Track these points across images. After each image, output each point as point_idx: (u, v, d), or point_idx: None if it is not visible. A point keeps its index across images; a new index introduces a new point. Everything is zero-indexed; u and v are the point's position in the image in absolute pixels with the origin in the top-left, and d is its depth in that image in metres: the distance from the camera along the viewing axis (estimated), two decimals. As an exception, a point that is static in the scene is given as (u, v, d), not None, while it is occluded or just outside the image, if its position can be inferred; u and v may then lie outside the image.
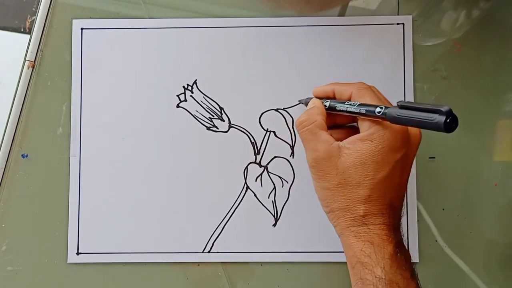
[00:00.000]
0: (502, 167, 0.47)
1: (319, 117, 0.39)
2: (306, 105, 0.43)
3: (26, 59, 0.47)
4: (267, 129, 0.47)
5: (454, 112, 0.29)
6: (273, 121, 0.47)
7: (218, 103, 0.47)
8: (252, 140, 0.47)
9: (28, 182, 0.47)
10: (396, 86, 0.46)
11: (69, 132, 0.47)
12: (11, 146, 0.47)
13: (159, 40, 0.47)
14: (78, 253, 0.46)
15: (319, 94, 0.42)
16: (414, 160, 0.43)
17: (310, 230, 0.46)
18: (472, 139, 0.47)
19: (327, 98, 0.41)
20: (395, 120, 0.33)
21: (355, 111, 0.36)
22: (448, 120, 0.29)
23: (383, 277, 0.34)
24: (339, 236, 0.38)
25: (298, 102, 0.46)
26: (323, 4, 0.47)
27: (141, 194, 0.46)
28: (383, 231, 0.35)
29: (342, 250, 0.45)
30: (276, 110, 0.47)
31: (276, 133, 0.47)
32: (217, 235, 0.46)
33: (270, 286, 0.46)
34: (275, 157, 0.46)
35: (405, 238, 0.45)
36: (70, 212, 0.46)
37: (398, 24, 0.47)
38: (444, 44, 0.47)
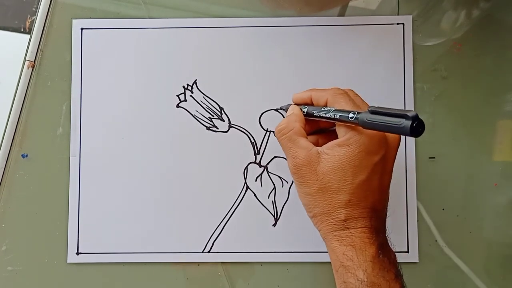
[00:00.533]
0: (502, 167, 0.47)
1: (297, 124, 0.39)
2: (286, 110, 0.43)
3: (26, 59, 0.47)
4: (267, 129, 0.47)
5: (420, 118, 0.30)
6: (273, 121, 0.47)
7: (218, 103, 0.47)
8: (252, 140, 0.47)
9: (28, 182, 0.47)
10: (396, 86, 0.46)
11: (69, 132, 0.47)
12: (11, 146, 0.47)
13: (159, 40, 0.47)
14: (78, 253, 0.46)
15: (298, 101, 0.42)
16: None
17: (310, 230, 0.46)
18: (472, 139, 0.47)
19: (305, 104, 0.41)
20: (365, 125, 0.33)
21: (331, 116, 0.37)
22: (414, 125, 0.30)
23: (365, 279, 0.34)
24: (323, 240, 0.38)
25: (279, 108, 0.46)
26: (323, 4, 0.47)
27: (141, 194, 0.46)
28: (365, 234, 0.35)
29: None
30: (276, 110, 0.47)
31: (276, 133, 0.47)
32: (217, 235, 0.46)
33: (270, 286, 0.46)
34: (275, 157, 0.47)
35: (404, 238, 0.45)
36: (70, 212, 0.46)
37: (398, 24, 0.47)
38: (444, 44, 0.47)
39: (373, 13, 0.47)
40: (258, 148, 0.47)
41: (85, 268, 0.46)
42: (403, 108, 0.46)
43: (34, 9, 0.51)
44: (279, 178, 0.46)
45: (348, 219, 0.36)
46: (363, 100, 0.39)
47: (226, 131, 0.47)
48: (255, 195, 0.46)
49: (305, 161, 0.37)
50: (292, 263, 0.46)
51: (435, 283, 0.46)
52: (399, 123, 0.30)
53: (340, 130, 0.37)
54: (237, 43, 0.47)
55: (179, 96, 0.47)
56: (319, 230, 0.38)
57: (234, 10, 0.48)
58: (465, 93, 0.47)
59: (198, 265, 0.46)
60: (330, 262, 0.46)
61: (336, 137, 0.38)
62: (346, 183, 0.35)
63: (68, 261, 0.46)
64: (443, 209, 0.46)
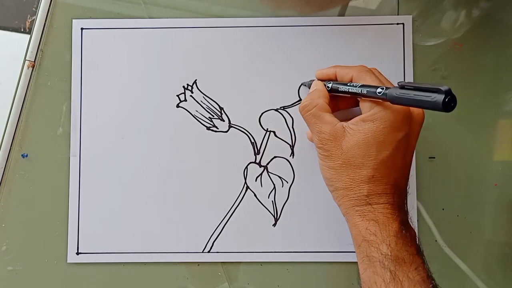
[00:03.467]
0: (502, 167, 0.46)
1: (321, 100, 0.39)
2: (309, 87, 0.43)
3: (26, 59, 0.47)
4: (267, 129, 0.47)
5: (453, 93, 0.29)
6: (273, 121, 0.47)
7: (218, 103, 0.47)
8: (252, 140, 0.47)
9: (28, 182, 0.47)
10: (396, 86, 0.46)
11: (69, 132, 0.47)
12: (11, 146, 0.47)
13: (159, 40, 0.47)
14: (78, 253, 0.46)
15: (322, 77, 0.43)
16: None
17: (310, 230, 0.46)
18: (472, 139, 0.47)
19: (329, 80, 0.41)
20: (394, 100, 0.33)
21: (357, 91, 0.37)
22: (446, 100, 0.29)
23: (389, 253, 0.34)
24: (344, 215, 0.38)
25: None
26: (323, 4, 0.47)
27: (141, 194, 0.46)
28: (387, 210, 0.36)
29: (343, 250, 0.46)
30: (276, 110, 0.47)
31: (276, 133, 0.47)
32: (217, 235, 0.46)
33: (270, 286, 0.46)
34: (275, 157, 0.46)
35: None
36: (70, 212, 0.46)
37: (398, 24, 0.47)
38: (444, 44, 0.47)
39: (373, 13, 0.47)
40: (258, 148, 0.47)
41: (85, 268, 0.46)
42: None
43: (34, 9, 0.51)
44: (279, 178, 0.46)
45: (370, 194, 0.36)
46: (387, 79, 0.39)
47: (226, 131, 0.47)
48: (255, 195, 0.46)
49: (331, 135, 0.37)
50: (292, 263, 0.46)
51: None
52: (431, 98, 0.30)
53: (364, 105, 0.37)
54: (237, 43, 0.47)
55: (179, 96, 0.47)
56: (340, 205, 0.38)
57: (234, 10, 0.48)
58: (465, 93, 0.47)
59: (198, 265, 0.46)
60: (330, 262, 0.46)
61: (356, 115, 0.38)
62: (370, 158, 0.36)
63: (68, 261, 0.46)
64: (443, 209, 0.46)
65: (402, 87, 0.32)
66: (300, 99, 0.46)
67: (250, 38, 0.47)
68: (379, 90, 0.35)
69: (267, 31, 0.47)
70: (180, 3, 0.48)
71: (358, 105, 0.41)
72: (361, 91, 0.36)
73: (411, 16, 0.47)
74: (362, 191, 0.36)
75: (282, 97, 0.47)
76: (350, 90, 0.37)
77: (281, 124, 0.47)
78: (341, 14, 0.48)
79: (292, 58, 0.47)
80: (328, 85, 0.40)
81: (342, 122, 0.38)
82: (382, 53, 0.46)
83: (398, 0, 0.47)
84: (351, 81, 0.39)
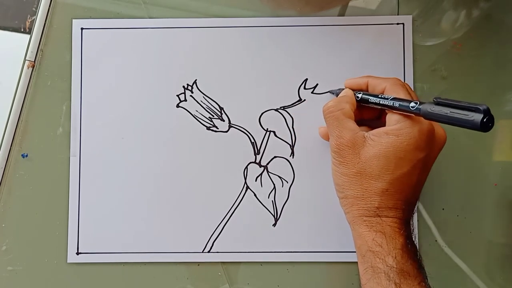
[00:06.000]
0: (502, 167, 0.46)
1: (347, 106, 0.39)
2: (336, 95, 0.43)
3: (26, 59, 0.47)
4: (267, 129, 0.47)
5: (491, 113, 0.29)
6: (273, 121, 0.47)
7: (218, 103, 0.47)
8: (252, 140, 0.47)
9: (28, 182, 0.47)
10: (396, 86, 0.46)
11: (69, 132, 0.47)
12: (11, 146, 0.47)
13: (159, 40, 0.47)
14: (78, 253, 0.46)
15: (352, 86, 0.43)
16: (435, 160, 0.43)
17: (310, 230, 0.46)
18: (472, 139, 0.47)
19: (360, 90, 0.41)
20: (429, 115, 0.32)
21: (388, 104, 0.36)
22: (485, 120, 0.29)
23: (395, 266, 0.34)
24: (349, 223, 0.38)
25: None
26: (323, 4, 0.47)
27: (141, 194, 0.46)
28: (395, 224, 0.36)
29: (343, 250, 0.45)
30: (276, 110, 0.47)
31: (276, 133, 0.47)
32: (217, 235, 0.46)
33: (270, 286, 0.46)
34: (275, 157, 0.46)
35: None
36: (70, 212, 0.46)
37: (398, 24, 0.47)
38: (444, 44, 0.47)
39: (373, 13, 0.47)
40: (258, 148, 0.47)
41: (85, 268, 0.46)
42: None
43: (34, 9, 0.51)
44: (279, 178, 0.46)
45: (381, 207, 0.36)
46: (417, 96, 0.39)
47: (226, 131, 0.47)
48: (255, 195, 0.46)
49: (350, 142, 0.37)
50: (292, 263, 0.46)
51: (435, 283, 0.46)
52: (469, 116, 0.29)
53: (391, 118, 0.37)
54: (237, 43, 0.47)
55: (179, 96, 0.47)
56: (347, 213, 0.38)
57: (234, 10, 0.48)
58: (465, 93, 0.47)
59: (198, 265, 0.46)
60: (330, 262, 0.46)
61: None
62: (388, 172, 0.36)
63: (68, 261, 0.46)
64: (443, 209, 0.46)
65: (437, 103, 0.32)
66: (300, 99, 0.46)
67: (250, 38, 0.47)
68: (412, 104, 0.34)
69: (267, 31, 0.47)
70: (180, 3, 0.48)
71: (380, 118, 0.41)
72: (393, 104, 0.36)
73: (411, 16, 0.47)
74: (374, 202, 0.36)
75: (282, 97, 0.47)
76: (381, 102, 0.37)
77: (281, 124, 0.47)
78: (341, 14, 0.48)
79: (292, 58, 0.47)
80: (358, 95, 0.40)
81: (364, 132, 0.38)
82: (382, 53, 0.46)
83: (398, 0, 0.47)
84: (382, 92, 0.39)
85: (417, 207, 0.46)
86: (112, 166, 0.46)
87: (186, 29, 0.47)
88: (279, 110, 0.47)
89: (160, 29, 0.47)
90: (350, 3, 0.47)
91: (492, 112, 0.43)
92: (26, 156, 0.47)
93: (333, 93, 0.46)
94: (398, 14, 0.47)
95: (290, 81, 0.47)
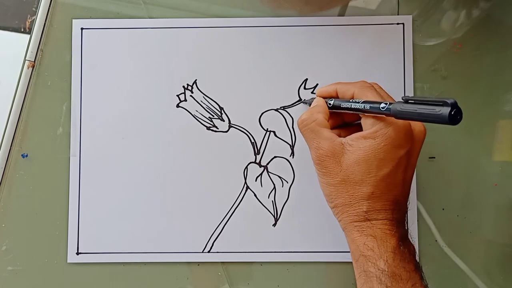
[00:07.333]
0: (502, 167, 0.47)
1: (321, 115, 0.39)
2: (309, 105, 0.43)
3: (26, 59, 0.47)
4: (267, 129, 0.47)
5: (459, 106, 0.29)
6: (273, 121, 0.47)
7: (218, 103, 0.47)
8: (252, 140, 0.47)
9: (28, 182, 0.47)
10: (396, 86, 0.46)
11: (69, 132, 0.47)
12: (11, 146, 0.47)
13: (159, 40, 0.47)
14: (78, 253, 0.46)
15: (323, 94, 0.42)
16: (418, 155, 0.43)
17: (310, 230, 0.46)
18: (472, 139, 0.47)
19: (331, 97, 0.41)
20: (399, 114, 0.33)
21: (359, 107, 0.36)
22: (452, 112, 0.29)
23: (386, 269, 0.34)
24: (343, 230, 0.38)
25: (300, 102, 0.46)
26: (323, 4, 0.47)
27: (141, 194, 0.46)
28: (386, 225, 0.35)
29: (342, 250, 0.46)
30: (276, 110, 0.47)
31: (276, 133, 0.47)
32: (217, 235, 0.46)
33: (270, 286, 0.46)
34: (275, 157, 0.46)
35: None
36: (70, 212, 0.46)
37: (398, 24, 0.47)
38: (444, 44, 0.47)
39: (373, 13, 0.47)
40: (258, 148, 0.47)
41: (85, 268, 0.46)
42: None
43: (34, 9, 0.51)
44: (279, 178, 0.46)
45: (369, 210, 0.36)
46: (388, 94, 0.39)
47: (226, 131, 0.47)
48: (255, 195, 0.46)
49: (329, 152, 0.37)
50: (292, 263, 0.46)
51: (435, 283, 0.46)
52: (436, 111, 0.30)
53: (366, 122, 0.37)
54: (237, 43, 0.47)
55: (179, 96, 0.47)
56: (339, 221, 0.38)
57: (234, 10, 0.48)
58: (465, 93, 0.47)
59: (198, 265, 0.46)
60: (330, 262, 0.46)
61: (359, 130, 0.38)
62: (370, 175, 0.36)
63: (68, 261, 0.46)
64: (443, 209, 0.46)
65: (406, 101, 0.32)
66: (300, 99, 0.46)
67: (250, 38, 0.47)
68: (382, 105, 0.34)
69: (267, 31, 0.47)
70: (180, 3, 0.48)
71: (359, 120, 0.41)
72: (363, 107, 0.36)
73: (411, 16, 0.47)
74: (362, 207, 0.36)
75: (282, 97, 0.47)
76: (352, 107, 0.37)
77: (281, 124, 0.47)
78: (341, 14, 0.48)
79: (292, 58, 0.47)
80: (330, 102, 0.40)
81: (341, 138, 0.37)
82: (382, 53, 0.46)
83: (398, 0, 0.47)
84: (352, 98, 0.38)
85: (417, 207, 0.46)
86: (112, 166, 0.46)
87: (186, 29, 0.47)
88: (279, 110, 0.47)
89: (160, 29, 0.47)
90: (350, 3, 0.47)
91: (492, 112, 0.43)
92: (26, 156, 0.47)
93: (306, 103, 0.46)
94: (398, 14, 0.47)
95: (290, 81, 0.47)
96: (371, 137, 0.36)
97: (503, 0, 0.47)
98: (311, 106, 0.42)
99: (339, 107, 0.39)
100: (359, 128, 0.39)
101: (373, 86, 0.38)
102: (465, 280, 0.46)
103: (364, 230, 0.36)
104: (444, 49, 0.47)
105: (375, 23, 0.47)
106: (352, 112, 0.38)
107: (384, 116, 0.35)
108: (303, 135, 0.40)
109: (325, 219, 0.46)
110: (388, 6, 0.47)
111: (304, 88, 0.46)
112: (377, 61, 0.46)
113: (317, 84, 0.46)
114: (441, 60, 0.47)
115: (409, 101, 0.32)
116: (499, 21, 0.47)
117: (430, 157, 0.46)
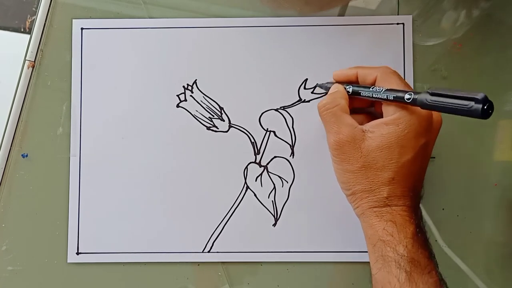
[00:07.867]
0: (502, 167, 0.47)
1: (343, 101, 0.39)
2: (325, 89, 0.43)
3: (26, 59, 0.47)
4: (267, 129, 0.47)
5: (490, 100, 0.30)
6: (273, 121, 0.47)
7: (218, 103, 0.47)
8: (252, 140, 0.47)
9: (28, 182, 0.47)
10: (396, 86, 0.46)
11: (69, 132, 0.47)
12: (11, 146, 0.47)
13: (159, 40, 0.47)
14: (78, 253, 0.46)
15: (341, 78, 0.42)
16: (434, 144, 0.43)
17: (310, 230, 0.46)
18: (472, 139, 0.47)
19: (349, 82, 0.41)
20: (426, 106, 0.33)
21: (382, 97, 0.36)
22: (485, 107, 0.29)
23: (406, 254, 0.34)
24: (358, 216, 0.38)
25: (300, 102, 0.46)
26: (323, 4, 0.47)
27: (141, 194, 0.46)
28: (405, 212, 0.36)
29: (343, 250, 0.45)
30: (276, 110, 0.47)
31: (276, 133, 0.47)
32: (217, 235, 0.46)
33: (270, 286, 0.46)
34: (275, 157, 0.46)
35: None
36: (70, 212, 0.46)
37: (398, 24, 0.47)
38: (444, 44, 0.47)
39: (373, 13, 0.47)
40: (258, 148, 0.47)
41: (85, 268, 0.46)
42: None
43: (34, 9, 0.51)
44: (279, 178, 0.46)
45: (390, 196, 0.36)
46: (408, 84, 0.39)
47: (226, 131, 0.47)
48: (255, 195, 0.46)
49: (349, 137, 0.37)
50: (292, 263, 0.46)
51: (435, 283, 0.46)
52: (468, 106, 0.30)
53: (388, 109, 0.37)
54: (237, 43, 0.47)
55: (179, 96, 0.47)
56: (356, 207, 0.38)
57: (234, 10, 0.48)
58: (465, 93, 0.47)
59: (198, 265, 0.46)
60: (330, 262, 0.46)
61: (370, 117, 0.38)
62: (392, 161, 0.36)
63: (68, 261, 0.46)
64: (443, 209, 0.46)
65: (432, 93, 0.33)
66: (300, 99, 0.46)
67: (250, 38, 0.47)
68: (407, 96, 0.34)
69: (267, 31, 0.47)
70: (180, 3, 0.48)
71: (372, 105, 0.41)
72: (387, 97, 0.36)
73: (411, 16, 0.47)
74: (382, 193, 0.36)
75: (282, 97, 0.47)
76: (374, 95, 0.37)
77: (281, 124, 0.47)
78: (341, 14, 0.48)
79: (292, 58, 0.47)
80: (348, 89, 0.40)
81: (361, 126, 0.38)
82: (382, 53, 0.46)
83: (398, 0, 0.47)
84: (373, 83, 0.38)
85: (417, 207, 0.46)
86: (112, 166, 0.46)
87: (186, 29, 0.47)
88: (279, 110, 0.47)
89: (160, 29, 0.47)
90: (350, 3, 0.47)
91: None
92: (26, 156, 0.47)
93: (321, 87, 0.46)
94: (398, 14, 0.47)
95: (290, 81, 0.47)
96: (394, 123, 0.36)
97: (503, 0, 0.47)
98: (331, 91, 0.42)
99: (358, 94, 0.39)
100: (368, 114, 0.39)
101: (397, 73, 0.39)
102: (465, 280, 0.46)
103: (383, 216, 0.36)
104: (444, 49, 0.47)
105: (375, 23, 0.47)
106: (372, 99, 0.38)
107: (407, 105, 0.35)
108: (322, 119, 0.40)
109: (325, 219, 0.46)
110: (388, 6, 0.47)
111: (304, 88, 0.46)
112: (377, 61, 0.46)
113: (317, 84, 0.46)
114: (441, 60, 0.47)
115: (436, 93, 0.32)
116: (499, 21, 0.47)
117: (430, 157, 0.46)
